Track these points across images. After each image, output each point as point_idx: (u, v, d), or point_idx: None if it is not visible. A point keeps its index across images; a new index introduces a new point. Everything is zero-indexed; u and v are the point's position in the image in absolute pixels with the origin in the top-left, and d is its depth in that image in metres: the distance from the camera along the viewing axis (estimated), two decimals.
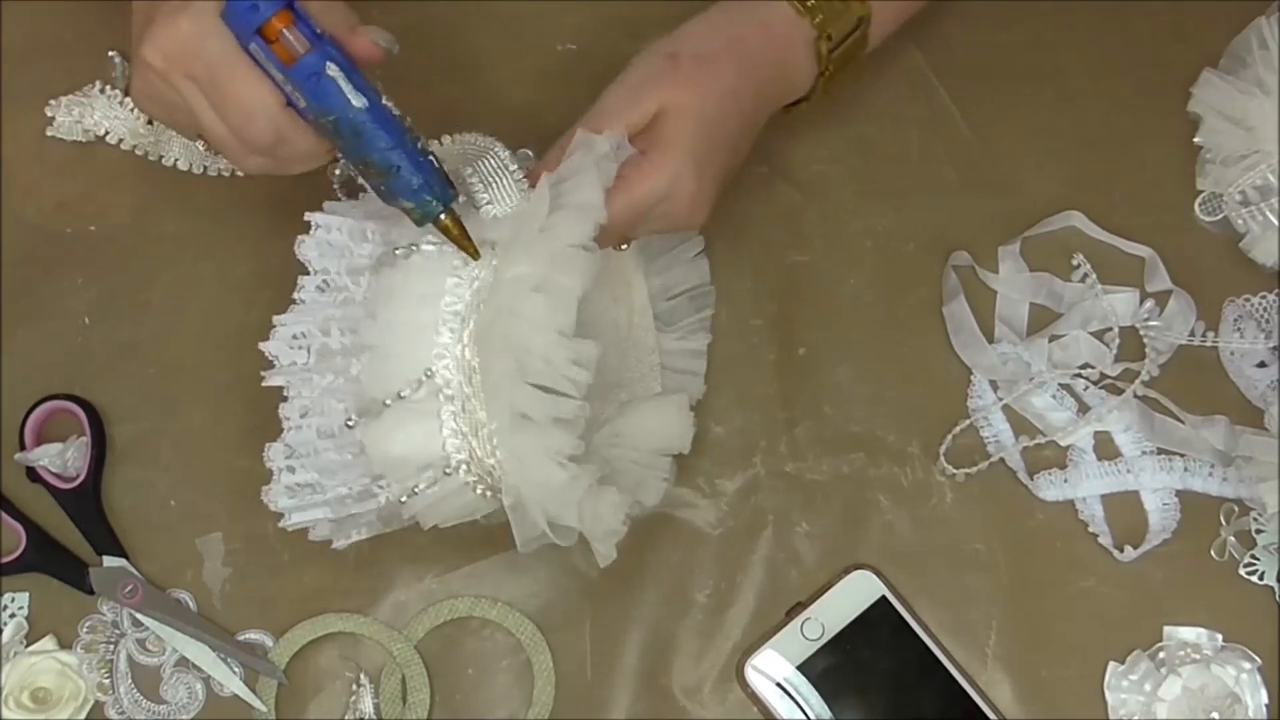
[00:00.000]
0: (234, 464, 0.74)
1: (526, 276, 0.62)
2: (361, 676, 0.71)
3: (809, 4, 0.71)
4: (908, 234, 0.80)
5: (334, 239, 0.66)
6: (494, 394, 0.62)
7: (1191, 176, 0.80)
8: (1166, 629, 0.71)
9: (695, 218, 0.69)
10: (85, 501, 0.74)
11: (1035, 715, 0.70)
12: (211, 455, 0.75)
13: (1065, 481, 0.74)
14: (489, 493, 0.65)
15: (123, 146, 0.82)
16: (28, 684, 0.71)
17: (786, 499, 0.74)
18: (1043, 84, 0.83)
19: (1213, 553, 0.72)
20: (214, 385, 0.76)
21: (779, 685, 0.69)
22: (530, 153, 0.71)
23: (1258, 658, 0.70)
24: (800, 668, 0.69)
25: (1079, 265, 0.78)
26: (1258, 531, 0.72)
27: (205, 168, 0.81)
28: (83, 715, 0.71)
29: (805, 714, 0.68)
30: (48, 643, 0.72)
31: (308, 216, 0.66)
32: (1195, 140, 0.80)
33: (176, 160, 0.82)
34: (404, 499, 0.64)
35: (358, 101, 0.60)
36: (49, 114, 0.82)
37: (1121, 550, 0.72)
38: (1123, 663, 0.70)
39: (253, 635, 0.72)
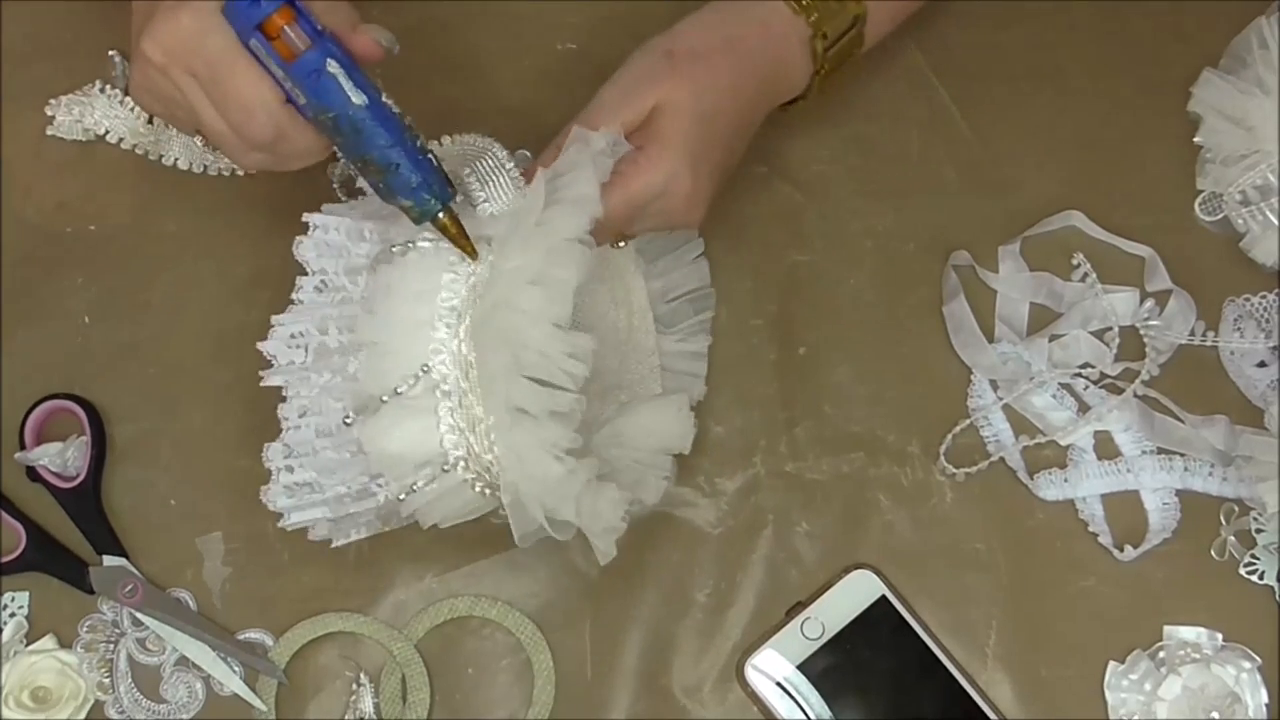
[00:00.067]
0: (234, 464, 0.74)
1: (522, 269, 0.62)
2: (361, 676, 0.71)
3: (804, 2, 0.72)
4: (908, 234, 0.80)
5: (332, 239, 0.66)
6: (490, 388, 0.62)
7: (1191, 176, 0.80)
8: (1166, 628, 0.71)
9: (692, 215, 0.69)
10: (85, 501, 0.74)
11: (1035, 715, 0.70)
12: (211, 455, 0.75)
13: (1065, 481, 0.74)
14: (487, 490, 0.65)
15: (123, 146, 0.82)
16: (28, 683, 0.71)
17: (786, 498, 0.74)
18: (1043, 84, 0.83)
19: (1213, 552, 0.72)
20: (214, 385, 0.76)
21: (779, 685, 0.69)
22: (528, 153, 0.72)
23: (1258, 657, 0.70)
24: (800, 667, 0.69)
25: (1079, 265, 0.78)
26: (1258, 531, 0.72)
27: (205, 167, 0.81)
28: (83, 715, 0.71)
29: (805, 714, 0.68)
30: (48, 642, 0.72)
31: (306, 217, 0.66)
32: (1195, 140, 0.80)
33: (176, 160, 0.82)
34: (402, 496, 0.64)
35: (358, 99, 0.60)
36: (49, 113, 0.82)
37: (1121, 550, 0.72)
38: (1123, 662, 0.70)
39: (253, 634, 0.72)
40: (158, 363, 0.77)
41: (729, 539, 0.74)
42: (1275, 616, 0.71)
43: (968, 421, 0.75)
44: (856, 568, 0.71)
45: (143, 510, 0.75)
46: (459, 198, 0.63)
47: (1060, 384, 0.76)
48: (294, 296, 0.66)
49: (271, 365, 0.66)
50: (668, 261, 0.76)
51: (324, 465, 0.65)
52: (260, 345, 0.66)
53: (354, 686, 0.71)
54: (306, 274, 0.66)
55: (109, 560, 0.73)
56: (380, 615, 0.72)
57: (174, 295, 0.79)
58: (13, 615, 0.73)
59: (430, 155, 0.62)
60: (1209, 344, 0.76)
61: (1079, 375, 0.75)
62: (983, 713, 0.68)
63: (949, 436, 0.75)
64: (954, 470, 0.74)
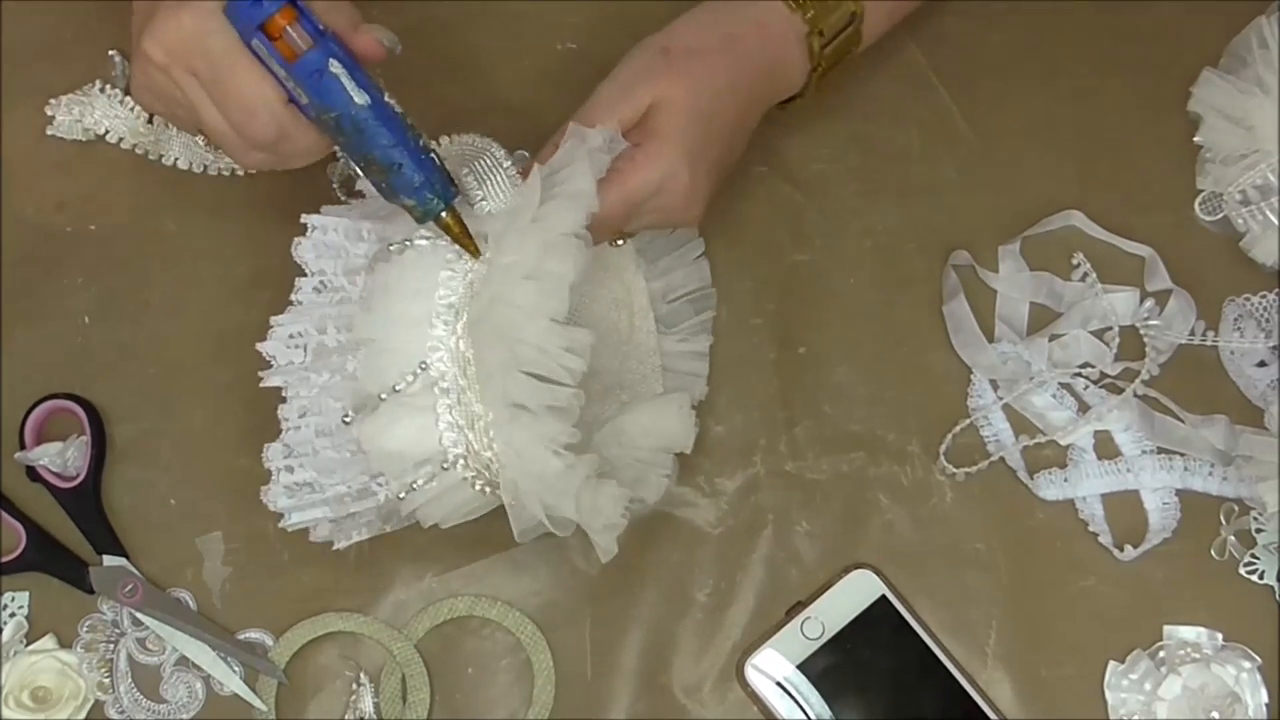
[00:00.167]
0: (234, 464, 0.74)
1: (518, 265, 0.62)
2: (361, 676, 0.71)
3: (801, 0, 0.72)
4: (908, 234, 0.80)
5: (330, 240, 0.66)
6: (488, 384, 0.62)
7: (1191, 176, 0.80)
8: (1166, 628, 0.71)
9: (690, 212, 0.69)
10: (85, 501, 0.74)
11: (1035, 715, 0.70)
12: (211, 455, 0.75)
13: (1065, 481, 0.74)
14: (487, 488, 0.65)
15: (123, 146, 0.82)
16: (28, 683, 0.71)
17: (786, 498, 0.74)
18: (1043, 83, 0.83)
19: (1213, 552, 0.72)
20: (214, 385, 0.76)
21: (779, 685, 0.69)
22: (526, 153, 0.72)
23: (1258, 657, 0.70)
24: (800, 667, 0.69)
25: (1079, 264, 0.78)
26: (1258, 531, 0.72)
27: (205, 167, 0.81)
28: (83, 714, 0.71)
29: (805, 713, 0.68)
30: (48, 642, 0.72)
31: (304, 219, 0.66)
32: (1195, 140, 0.80)
33: (177, 159, 0.82)
34: (402, 495, 0.64)
35: (360, 99, 0.60)
36: (49, 113, 0.82)
37: (1121, 549, 0.72)
38: (1123, 662, 0.70)
39: (253, 634, 0.72)
40: (158, 363, 0.77)
41: (729, 539, 0.74)
42: (1275, 616, 0.71)
43: (968, 421, 0.75)
44: (856, 567, 0.71)
45: (143, 510, 0.75)
46: (458, 199, 0.64)
47: (1060, 384, 0.76)
48: (293, 298, 0.66)
49: (271, 366, 0.66)
50: (669, 262, 0.76)
51: (324, 465, 0.65)
52: (259, 346, 0.66)
53: (354, 686, 0.71)
54: (305, 275, 0.66)
55: (109, 560, 0.73)
56: (380, 615, 0.72)
57: (174, 295, 0.79)
58: (13, 615, 0.73)
59: (433, 154, 0.62)
60: (1209, 344, 0.76)
61: (1079, 375, 0.75)
62: (983, 713, 0.68)
63: (949, 436, 0.75)
64: (954, 470, 0.74)
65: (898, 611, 0.70)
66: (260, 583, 0.73)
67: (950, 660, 0.69)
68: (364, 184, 0.66)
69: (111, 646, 0.72)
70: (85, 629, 0.72)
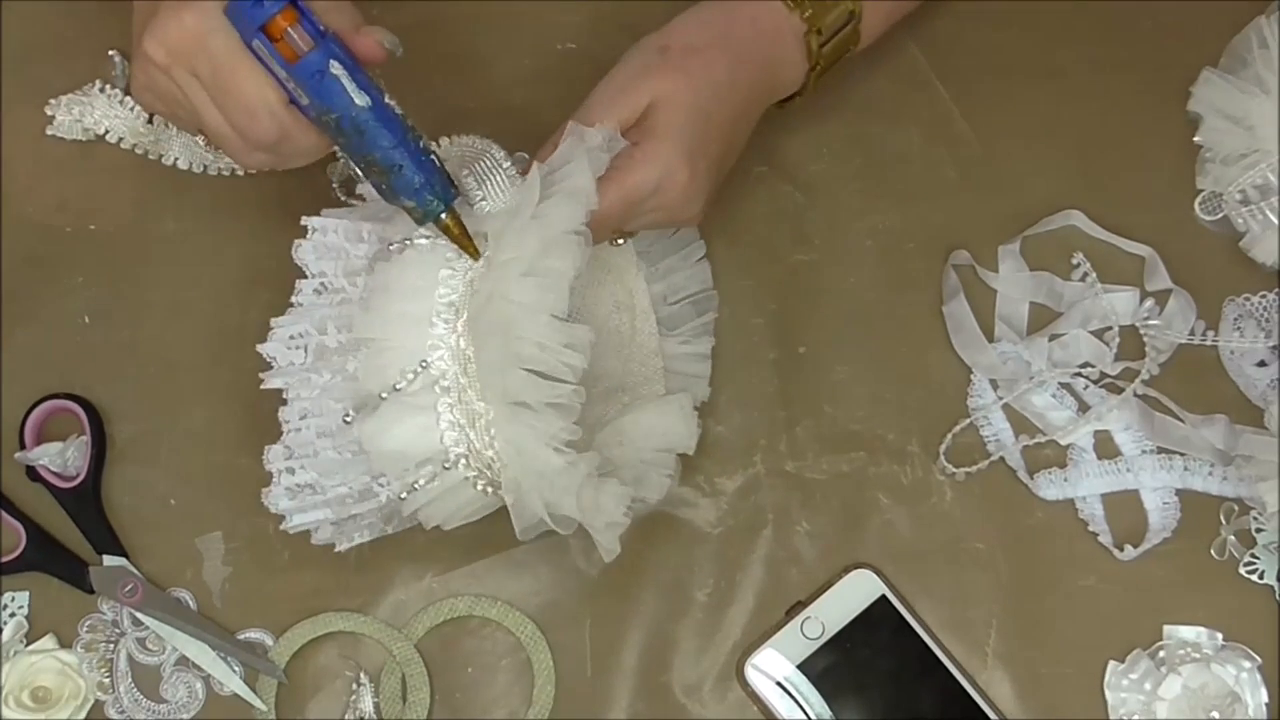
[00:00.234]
0: (234, 463, 0.74)
1: (517, 262, 0.62)
2: (361, 675, 0.71)
3: None
4: (908, 234, 0.80)
5: (330, 241, 0.66)
6: (488, 380, 0.62)
7: (1191, 176, 0.80)
8: (1166, 628, 0.71)
9: (689, 210, 0.69)
10: (85, 501, 0.74)
11: (1035, 714, 0.70)
12: (211, 455, 0.75)
13: (1065, 480, 0.74)
14: (489, 488, 0.65)
15: (123, 145, 0.82)
16: (28, 683, 0.71)
17: (786, 498, 0.74)
18: (1043, 83, 0.83)
19: (1213, 552, 0.72)
20: (214, 385, 0.76)
21: (779, 684, 0.69)
22: (526, 155, 0.72)
23: (1258, 657, 0.70)
24: (800, 667, 0.69)
25: (1079, 264, 0.78)
26: (1258, 530, 0.72)
27: (205, 167, 0.82)
28: (83, 714, 0.71)
29: (805, 713, 0.68)
30: (48, 642, 0.72)
31: (304, 221, 0.66)
32: (1195, 139, 0.80)
33: (177, 159, 0.82)
34: (404, 496, 0.64)
35: (361, 100, 0.60)
36: (49, 113, 0.82)
37: (1121, 549, 0.72)
38: (1123, 661, 0.70)
39: (253, 634, 0.72)
40: (158, 363, 0.77)
41: (729, 538, 0.74)
42: (1275, 616, 0.71)
43: (968, 421, 0.75)
44: (856, 567, 0.71)
45: (143, 510, 0.75)
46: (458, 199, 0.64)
47: (1060, 383, 0.76)
48: (293, 299, 0.66)
49: (271, 368, 0.66)
50: (670, 264, 0.76)
51: (325, 466, 0.65)
52: (260, 348, 0.66)
53: (354, 686, 0.71)
54: (306, 276, 0.66)
55: (109, 560, 0.73)
56: (380, 615, 0.72)
57: (174, 295, 0.79)
58: (13, 615, 0.73)
59: (433, 156, 0.62)
60: (1209, 343, 0.76)
61: (1079, 375, 0.75)
62: (982, 712, 0.68)
63: (949, 436, 0.75)
64: (954, 469, 0.74)
65: (898, 611, 0.70)
66: (260, 582, 0.73)
67: (950, 660, 0.69)
68: (364, 185, 0.66)
69: (111, 646, 0.72)
70: (85, 629, 0.72)
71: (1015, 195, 0.80)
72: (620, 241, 0.73)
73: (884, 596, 0.70)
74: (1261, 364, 0.75)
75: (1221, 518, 0.73)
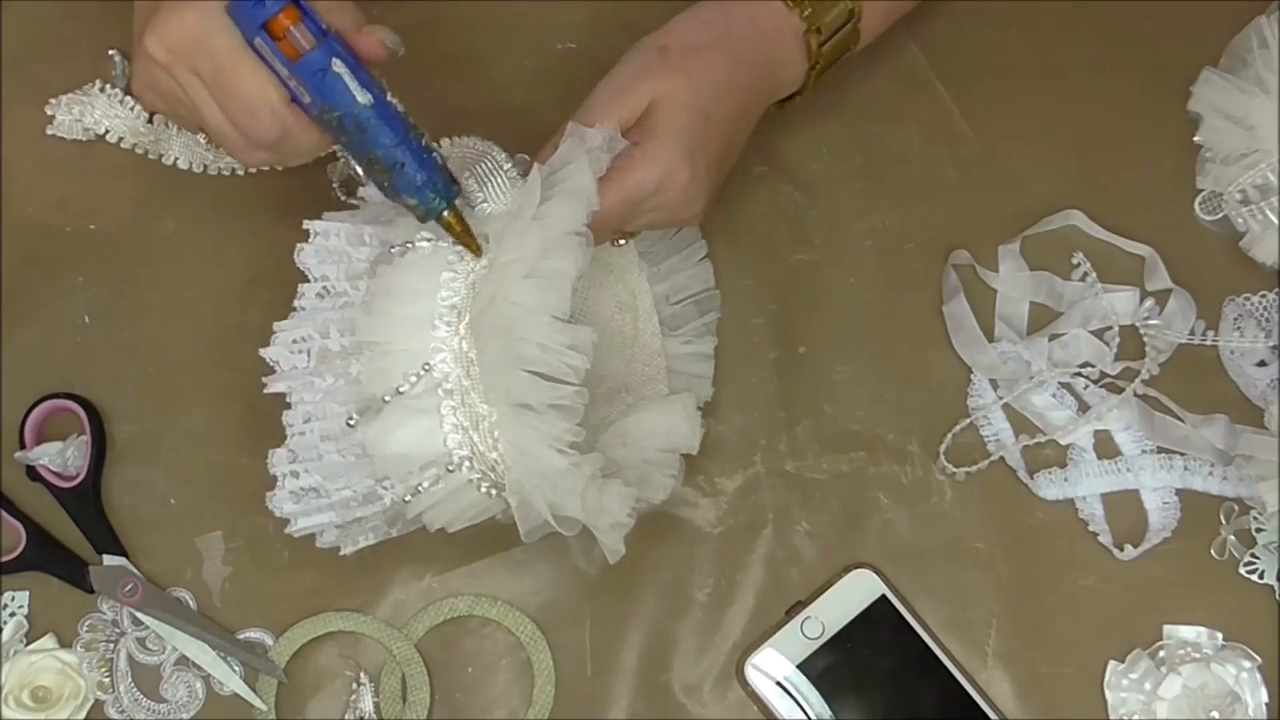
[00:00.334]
0: (234, 463, 0.74)
1: (519, 263, 0.62)
2: (361, 675, 0.71)
3: None
4: (908, 233, 0.80)
5: (332, 245, 0.66)
6: (491, 382, 0.62)
7: (1191, 176, 0.80)
8: (1166, 628, 0.71)
9: (690, 209, 0.69)
10: (85, 500, 0.74)
11: (1035, 714, 0.70)
12: (211, 454, 0.75)
13: (1065, 480, 0.74)
14: (493, 490, 0.65)
15: (123, 145, 0.82)
16: (28, 683, 0.71)
17: (786, 497, 0.74)
18: (1043, 83, 0.83)
19: (1213, 552, 0.72)
20: (214, 385, 0.76)
21: (779, 684, 0.69)
22: (527, 157, 0.72)
23: (1258, 656, 0.70)
24: (800, 667, 0.69)
25: (1079, 264, 0.78)
26: (1258, 530, 0.72)
27: (205, 166, 0.81)
28: (83, 714, 0.71)
29: (805, 713, 0.68)
30: (48, 641, 0.72)
31: (306, 224, 0.66)
32: (1195, 139, 0.80)
33: (177, 159, 0.82)
34: (408, 498, 0.64)
35: (363, 98, 0.60)
36: (49, 112, 0.82)
37: (1121, 549, 0.72)
38: (1123, 661, 0.70)
39: (253, 634, 0.72)
40: (158, 363, 0.77)
41: (729, 538, 0.74)
42: (1275, 616, 0.71)
43: (968, 421, 0.75)
44: (856, 567, 0.71)
45: (143, 510, 0.75)
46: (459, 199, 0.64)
47: (1060, 383, 0.76)
48: (296, 303, 0.66)
49: (273, 370, 0.66)
50: (672, 264, 0.77)
51: (329, 470, 0.65)
52: (263, 352, 0.66)
53: (354, 686, 0.71)
54: (307, 279, 0.66)
55: (109, 560, 0.73)
56: (380, 615, 0.72)
57: (174, 295, 0.79)
58: (13, 615, 0.73)
59: (435, 154, 0.62)
60: (1209, 343, 0.76)
61: (1079, 374, 0.75)
62: (982, 712, 0.68)
63: (949, 436, 0.75)
64: (954, 469, 0.74)
65: (898, 611, 0.70)
66: (260, 582, 0.73)
67: (950, 660, 0.69)
68: (364, 186, 0.66)
69: (111, 646, 0.72)
70: (85, 629, 0.72)
71: (1015, 195, 0.80)
72: (622, 242, 0.73)
73: (884, 596, 0.70)
74: (1261, 364, 0.75)
75: (1221, 518, 0.73)
